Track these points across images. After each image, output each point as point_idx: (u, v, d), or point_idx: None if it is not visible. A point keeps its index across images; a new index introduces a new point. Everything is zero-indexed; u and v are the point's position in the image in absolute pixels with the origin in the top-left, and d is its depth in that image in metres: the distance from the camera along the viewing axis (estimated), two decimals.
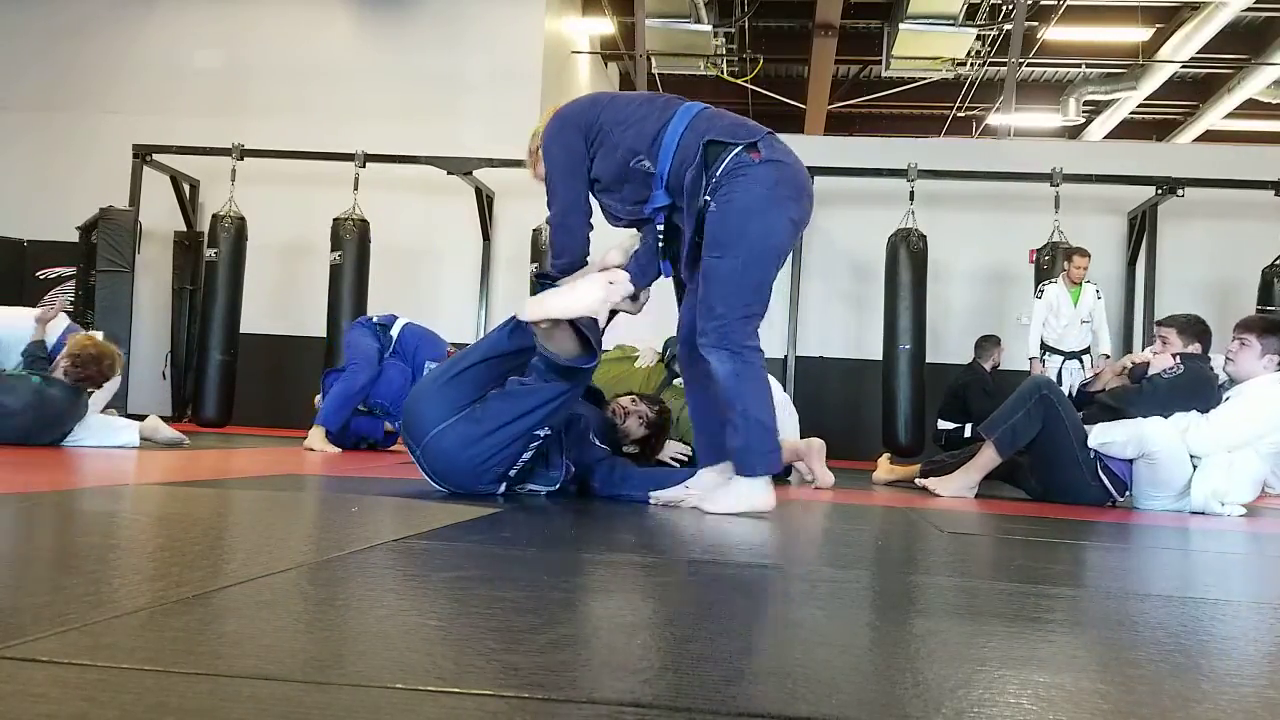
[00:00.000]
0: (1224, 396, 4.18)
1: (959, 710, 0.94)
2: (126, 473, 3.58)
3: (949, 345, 9.14)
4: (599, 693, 0.94)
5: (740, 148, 2.74)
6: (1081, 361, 7.96)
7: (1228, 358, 4.21)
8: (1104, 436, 4.13)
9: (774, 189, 2.72)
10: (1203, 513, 4.01)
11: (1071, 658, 1.25)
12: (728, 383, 2.75)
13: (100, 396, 5.12)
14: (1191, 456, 4.05)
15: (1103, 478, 4.12)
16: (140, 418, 5.31)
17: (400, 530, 2.17)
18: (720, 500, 2.82)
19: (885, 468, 5.01)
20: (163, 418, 5.43)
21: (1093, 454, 4.12)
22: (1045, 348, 7.99)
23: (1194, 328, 4.45)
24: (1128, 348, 9.17)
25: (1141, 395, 4.29)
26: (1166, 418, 4.10)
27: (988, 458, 4.21)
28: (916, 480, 4.53)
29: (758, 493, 2.79)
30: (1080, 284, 7.95)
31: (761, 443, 2.76)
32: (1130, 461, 4.11)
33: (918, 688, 1.03)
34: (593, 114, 2.92)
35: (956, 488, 4.21)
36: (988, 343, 8.30)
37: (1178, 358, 4.31)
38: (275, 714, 0.83)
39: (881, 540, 2.67)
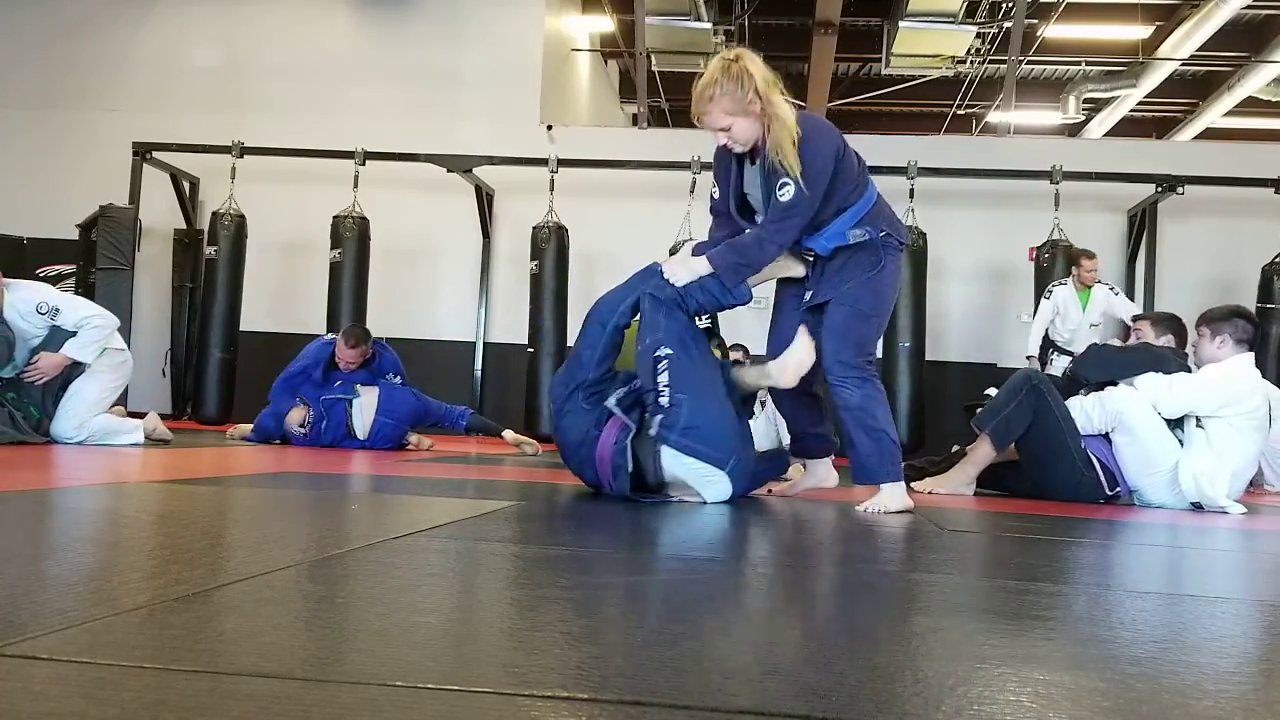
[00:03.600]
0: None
1: (959, 708, 0.94)
2: (126, 471, 3.58)
3: (948, 343, 9.14)
4: (599, 691, 0.94)
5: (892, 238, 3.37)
6: None
7: (1193, 348, 4.31)
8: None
9: (898, 270, 3.42)
10: (1201, 506, 4.00)
11: (1071, 655, 1.25)
12: (860, 405, 3.25)
13: (108, 399, 5.11)
14: (1173, 429, 4.10)
15: (1096, 468, 4.11)
16: (139, 415, 5.40)
17: (401, 528, 2.17)
18: (873, 503, 3.23)
19: None
20: (162, 415, 5.49)
21: (1083, 444, 4.12)
22: (1054, 348, 7.89)
23: (1167, 322, 4.61)
24: None
25: (1088, 356, 4.46)
26: (1117, 383, 4.19)
27: (983, 453, 4.19)
28: (913, 484, 4.51)
29: (899, 495, 3.25)
30: (1090, 287, 7.81)
31: (893, 455, 3.28)
32: (1110, 445, 4.13)
33: (917, 685, 1.04)
34: (839, 157, 3.20)
35: (954, 485, 4.20)
36: None
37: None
38: (275, 711, 0.83)
39: (881, 538, 2.67)
